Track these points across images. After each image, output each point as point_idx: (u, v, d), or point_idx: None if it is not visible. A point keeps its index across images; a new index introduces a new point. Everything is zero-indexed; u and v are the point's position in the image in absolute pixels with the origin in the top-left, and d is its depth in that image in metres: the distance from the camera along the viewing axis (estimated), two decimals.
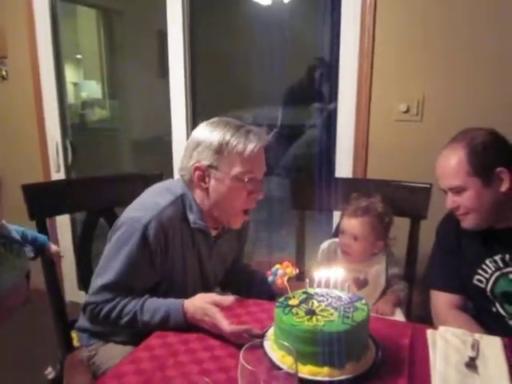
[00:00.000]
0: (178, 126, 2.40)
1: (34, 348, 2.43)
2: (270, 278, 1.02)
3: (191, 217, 1.23)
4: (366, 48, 1.88)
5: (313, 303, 0.98)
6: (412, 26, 1.84)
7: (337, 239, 1.54)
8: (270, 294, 1.29)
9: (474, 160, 1.20)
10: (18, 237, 1.04)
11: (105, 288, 1.15)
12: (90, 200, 1.62)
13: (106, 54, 3.97)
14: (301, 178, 2.03)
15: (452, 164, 1.23)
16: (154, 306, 1.14)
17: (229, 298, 1.11)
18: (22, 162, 2.76)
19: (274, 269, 1.03)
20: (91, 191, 1.64)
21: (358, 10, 1.86)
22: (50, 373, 2.03)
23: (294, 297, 1.00)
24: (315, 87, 3.08)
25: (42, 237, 1.10)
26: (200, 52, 2.47)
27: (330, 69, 2.94)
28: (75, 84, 3.89)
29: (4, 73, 2.61)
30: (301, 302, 0.98)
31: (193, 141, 1.22)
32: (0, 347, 2.46)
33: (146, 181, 1.73)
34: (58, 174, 2.61)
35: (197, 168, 1.20)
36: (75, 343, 1.57)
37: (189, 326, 1.11)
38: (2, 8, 2.57)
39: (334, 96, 2.13)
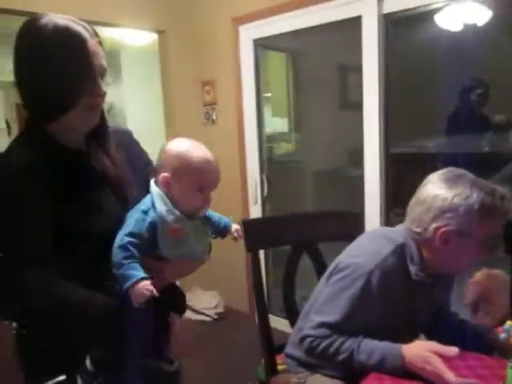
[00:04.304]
0: (370, 161, 2.43)
1: (230, 363, 2.68)
2: (503, 336, 0.96)
3: (413, 268, 1.23)
4: None
5: None
6: None
7: None
8: (485, 348, 1.21)
9: None
10: (208, 217, 1.18)
11: (325, 325, 1.22)
12: (295, 234, 1.75)
13: (292, 91, 4.26)
14: None
15: None
16: (371, 348, 1.16)
17: (452, 349, 1.08)
18: (224, 195, 3.12)
19: (507, 326, 0.97)
20: (295, 226, 1.77)
21: None
22: None
23: None
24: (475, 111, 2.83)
25: (224, 219, 1.22)
26: (392, 82, 2.48)
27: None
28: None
29: (214, 117, 3.02)
30: None
31: (443, 202, 1.17)
32: (201, 360, 2.78)
33: (345, 218, 1.80)
34: (255, 206, 2.87)
35: (444, 233, 1.17)
36: (278, 367, 1.69)
37: (405, 371, 1.11)
38: (214, 65, 3.01)
39: None
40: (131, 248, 0.99)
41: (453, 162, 2.96)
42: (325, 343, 1.20)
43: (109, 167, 1.10)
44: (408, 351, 1.11)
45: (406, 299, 1.26)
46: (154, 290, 0.95)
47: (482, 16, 2.51)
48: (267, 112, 4.41)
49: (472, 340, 1.28)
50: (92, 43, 1.00)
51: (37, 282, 0.94)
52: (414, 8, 2.28)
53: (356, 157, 2.68)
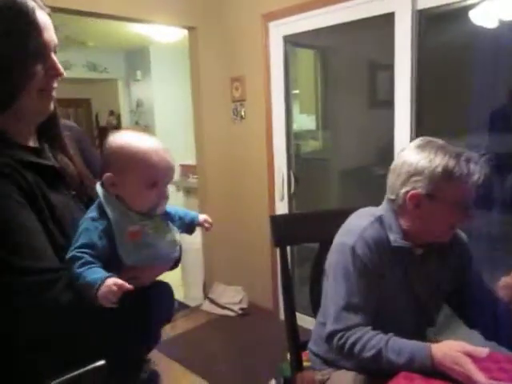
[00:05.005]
0: None
1: (253, 358, 2.70)
2: None
3: (392, 236, 1.25)
4: None
5: None
6: None
7: None
8: None
9: None
10: (172, 214, 1.07)
11: (342, 312, 1.23)
12: (323, 231, 1.74)
13: (320, 88, 4.24)
14: None
15: None
16: (400, 346, 1.15)
17: (483, 350, 1.07)
18: (250, 190, 3.14)
19: None
20: (323, 223, 1.76)
21: None
22: None
23: None
24: None
25: (191, 212, 1.12)
26: (425, 80, 2.44)
27: None
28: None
29: (243, 113, 3.04)
30: None
31: (410, 167, 1.21)
32: (224, 355, 2.80)
33: None
34: (281, 203, 2.88)
35: (413, 196, 1.21)
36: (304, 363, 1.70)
37: (434, 371, 1.09)
38: (244, 61, 3.02)
39: None
40: (83, 255, 0.86)
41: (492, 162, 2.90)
42: (352, 339, 1.20)
43: (69, 166, 0.99)
44: (437, 351, 1.10)
45: (398, 273, 1.27)
46: (126, 284, 0.82)
47: None
48: (295, 109, 4.41)
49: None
50: (41, 14, 0.86)
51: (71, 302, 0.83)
52: (449, 4, 2.23)
53: (384, 155, 2.65)
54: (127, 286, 0.82)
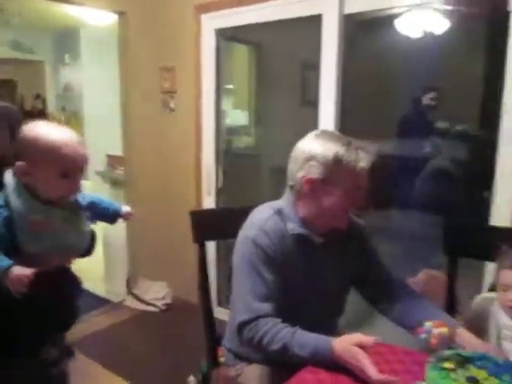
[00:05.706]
0: None
1: (176, 355, 2.66)
2: (424, 336, 0.99)
3: (290, 225, 1.31)
4: None
5: (471, 369, 0.91)
6: None
7: (490, 294, 1.42)
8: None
9: None
10: (83, 203, 1.10)
11: (249, 302, 1.24)
12: None
13: (255, 84, 4.26)
14: (454, 222, 1.86)
15: None
16: (304, 340, 1.18)
17: (369, 339, 1.12)
18: (177, 184, 3.09)
19: (427, 326, 0.99)
20: (245, 219, 1.76)
21: None
22: (191, 381, 2.20)
23: (448, 359, 0.93)
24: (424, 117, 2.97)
25: (115, 204, 1.18)
26: (349, 83, 2.51)
27: None
28: (223, 111, 4.23)
29: (172, 105, 2.97)
30: (457, 367, 0.92)
31: (305, 153, 1.27)
32: (146, 352, 2.74)
33: None
34: (209, 198, 2.85)
35: (308, 180, 1.27)
36: (220, 358, 1.69)
37: (335, 364, 1.12)
38: (174, 52, 2.96)
39: None
40: None
41: (401, 164, 3.08)
42: (261, 332, 1.21)
43: None
44: (337, 344, 1.13)
45: (300, 261, 1.32)
46: (30, 273, 0.88)
47: (440, 25, 2.59)
48: (229, 104, 4.39)
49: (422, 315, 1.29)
50: None
51: None
52: (376, 10, 2.30)
53: None
54: (31, 274, 0.88)
